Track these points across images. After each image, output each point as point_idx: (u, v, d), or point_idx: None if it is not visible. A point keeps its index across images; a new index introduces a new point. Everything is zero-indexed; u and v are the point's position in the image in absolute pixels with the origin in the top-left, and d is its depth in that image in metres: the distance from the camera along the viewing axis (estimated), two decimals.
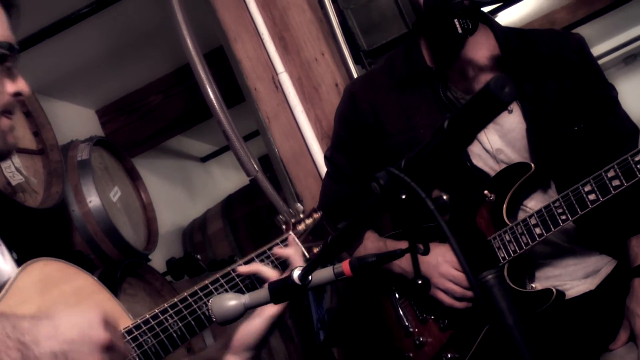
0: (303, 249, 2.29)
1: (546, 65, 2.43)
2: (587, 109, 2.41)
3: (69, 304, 1.83)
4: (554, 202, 2.28)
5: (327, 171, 2.80)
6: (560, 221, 2.27)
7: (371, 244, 2.64)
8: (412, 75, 2.51)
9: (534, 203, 2.42)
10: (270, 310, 2.05)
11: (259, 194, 4.73)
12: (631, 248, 2.39)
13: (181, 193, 7.67)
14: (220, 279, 2.10)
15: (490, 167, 2.41)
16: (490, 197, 2.37)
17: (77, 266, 1.92)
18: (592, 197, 2.23)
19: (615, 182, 2.20)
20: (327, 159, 2.78)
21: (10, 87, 1.85)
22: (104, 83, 5.83)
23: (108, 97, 6.19)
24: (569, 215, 2.26)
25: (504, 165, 2.39)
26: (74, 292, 1.87)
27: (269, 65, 3.51)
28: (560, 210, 2.27)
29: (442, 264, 2.46)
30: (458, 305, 2.46)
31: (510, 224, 2.34)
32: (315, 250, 2.32)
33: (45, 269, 1.83)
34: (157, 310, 1.96)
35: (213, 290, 2.07)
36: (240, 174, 3.70)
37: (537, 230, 2.30)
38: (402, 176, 1.15)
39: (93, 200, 4.17)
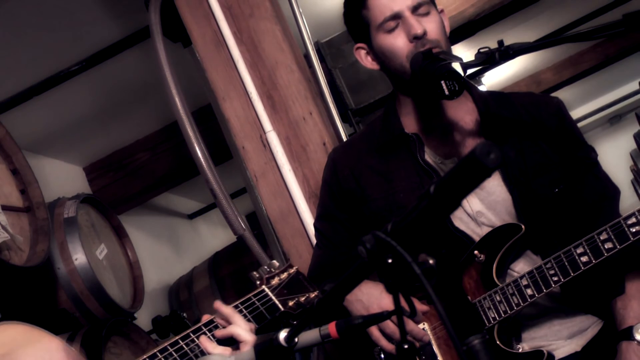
0: (277, 302, 2.29)
1: (525, 128, 2.45)
2: (567, 170, 2.43)
3: None
4: (545, 264, 2.28)
5: (316, 242, 2.81)
6: (552, 282, 2.27)
7: None
8: (390, 141, 2.54)
9: (520, 266, 2.41)
10: None
11: (245, 251, 4.71)
12: (617, 310, 2.38)
13: (168, 250, 7.64)
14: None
15: (472, 230, 2.41)
16: (480, 257, 2.37)
17: (42, 329, 1.88)
18: (584, 259, 2.23)
19: (608, 245, 2.20)
20: (315, 228, 2.80)
21: None
22: (91, 140, 5.85)
23: (96, 154, 6.21)
24: (561, 277, 2.26)
25: (485, 228, 2.39)
26: (37, 356, 1.82)
27: (257, 123, 3.51)
28: (552, 272, 2.27)
29: (384, 297, 2.44)
30: (385, 345, 2.41)
31: (501, 285, 2.34)
32: (291, 303, 2.32)
33: (7, 332, 1.79)
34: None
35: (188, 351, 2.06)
36: (227, 231, 3.69)
37: (529, 291, 2.29)
38: (389, 240, 1.16)
39: (79, 257, 4.15)
